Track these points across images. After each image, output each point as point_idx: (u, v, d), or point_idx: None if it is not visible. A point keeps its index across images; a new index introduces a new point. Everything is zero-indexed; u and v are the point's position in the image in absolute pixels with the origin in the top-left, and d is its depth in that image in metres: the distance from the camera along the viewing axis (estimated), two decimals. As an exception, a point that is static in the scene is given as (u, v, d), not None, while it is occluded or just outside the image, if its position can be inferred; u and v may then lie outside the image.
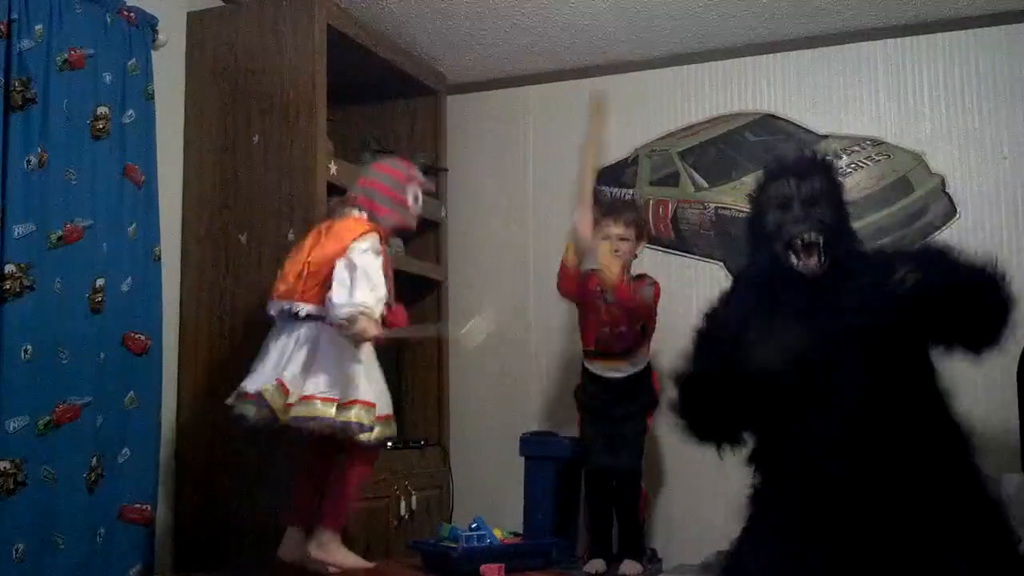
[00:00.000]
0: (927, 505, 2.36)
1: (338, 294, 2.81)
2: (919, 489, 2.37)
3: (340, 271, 2.85)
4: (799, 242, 2.47)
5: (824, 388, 2.42)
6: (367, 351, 2.93)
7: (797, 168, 2.59)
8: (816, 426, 2.42)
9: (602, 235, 3.54)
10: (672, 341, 3.92)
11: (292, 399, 2.82)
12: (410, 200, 3.13)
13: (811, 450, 2.42)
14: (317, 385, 2.84)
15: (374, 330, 2.85)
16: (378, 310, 2.88)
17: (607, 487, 3.57)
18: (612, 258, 3.41)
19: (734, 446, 2.62)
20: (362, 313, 2.81)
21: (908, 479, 2.38)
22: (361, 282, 2.83)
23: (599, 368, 3.55)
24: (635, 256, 3.58)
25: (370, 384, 2.91)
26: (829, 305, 2.47)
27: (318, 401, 2.82)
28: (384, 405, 2.96)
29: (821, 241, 2.47)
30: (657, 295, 3.56)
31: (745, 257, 2.72)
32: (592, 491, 3.59)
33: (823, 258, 2.47)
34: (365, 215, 3.04)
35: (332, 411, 2.82)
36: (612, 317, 3.52)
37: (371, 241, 2.93)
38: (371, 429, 2.87)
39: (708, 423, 2.61)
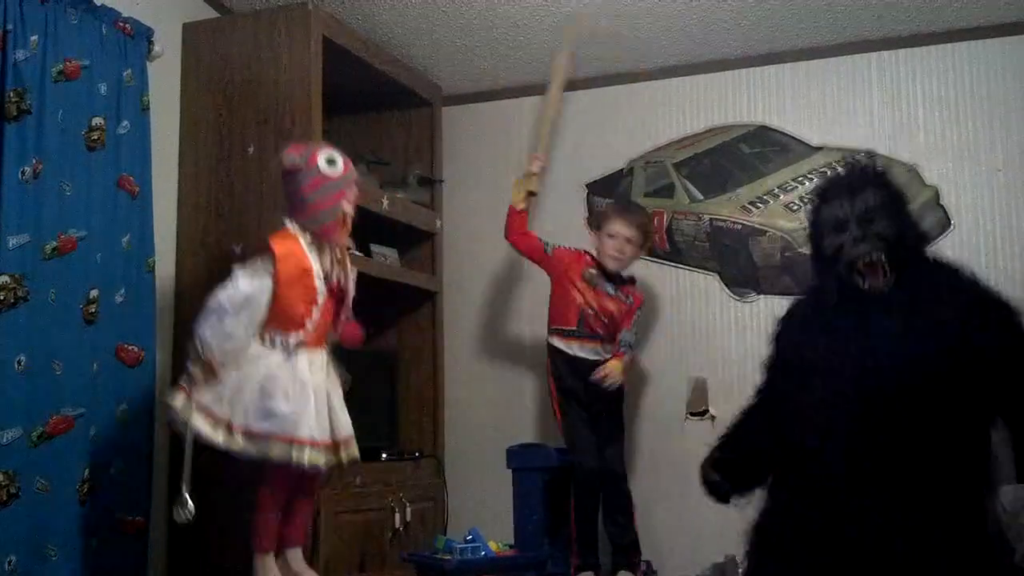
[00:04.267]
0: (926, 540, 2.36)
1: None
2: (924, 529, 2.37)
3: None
4: (861, 263, 2.41)
5: (867, 408, 2.39)
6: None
7: (848, 186, 2.51)
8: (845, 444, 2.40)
9: (607, 232, 3.59)
10: (667, 350, 3.97)
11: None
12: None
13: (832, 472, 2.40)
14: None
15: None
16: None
17: (597, 485, 3.55)
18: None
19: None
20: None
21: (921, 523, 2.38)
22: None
23: (576, 349, 3.59)
24: (635, 258, 3.69)
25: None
26: (893, 324, 2.41)
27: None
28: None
29: (883, 259, 2.41)
30: (638, 304, 3.69)
31: (811, 279, 2.66)
32: (581, 490, 3.56)
33: (888, 274, 2.41)
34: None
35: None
36: (600, 301, 3.60)
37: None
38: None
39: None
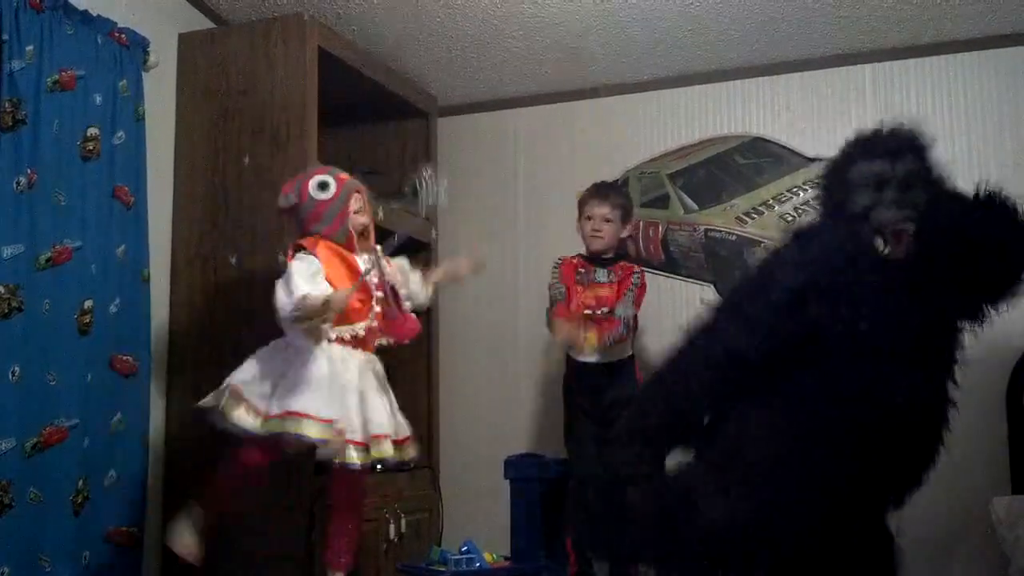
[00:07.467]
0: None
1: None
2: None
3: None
4: (890, 229, 2.35)
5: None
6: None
7: (891, 147, 2.42)
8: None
9: (585, 215, 3.60)
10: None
11: None
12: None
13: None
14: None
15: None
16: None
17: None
18: (580, 332, 3.44)
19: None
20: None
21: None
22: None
23: (583, 354, 3.56)
24: (620, 239, 3.64)
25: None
26: (905, 294, 2.35)
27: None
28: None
29: (911, 229, 2.34)
30: (642, 292, 3.59)
31: (817, 228, 2.54)
32: (579, 508, 3.54)
33: (910, 244, 2.34)
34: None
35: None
36: (596, 299, 3.55)
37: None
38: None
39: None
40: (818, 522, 2.37)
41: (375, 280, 2.98)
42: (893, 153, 2.39)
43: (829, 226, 2.49)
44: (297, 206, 2.95)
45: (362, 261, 2.96)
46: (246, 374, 2.83)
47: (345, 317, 2.88)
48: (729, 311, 2.56)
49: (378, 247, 3.04)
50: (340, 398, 2.82)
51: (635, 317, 3.59)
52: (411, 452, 3.06)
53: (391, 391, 3.05)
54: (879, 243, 2.35)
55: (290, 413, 2.73)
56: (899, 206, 2.35)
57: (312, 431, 2.72)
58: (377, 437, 2.89)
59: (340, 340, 2.90)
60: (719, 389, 2.49)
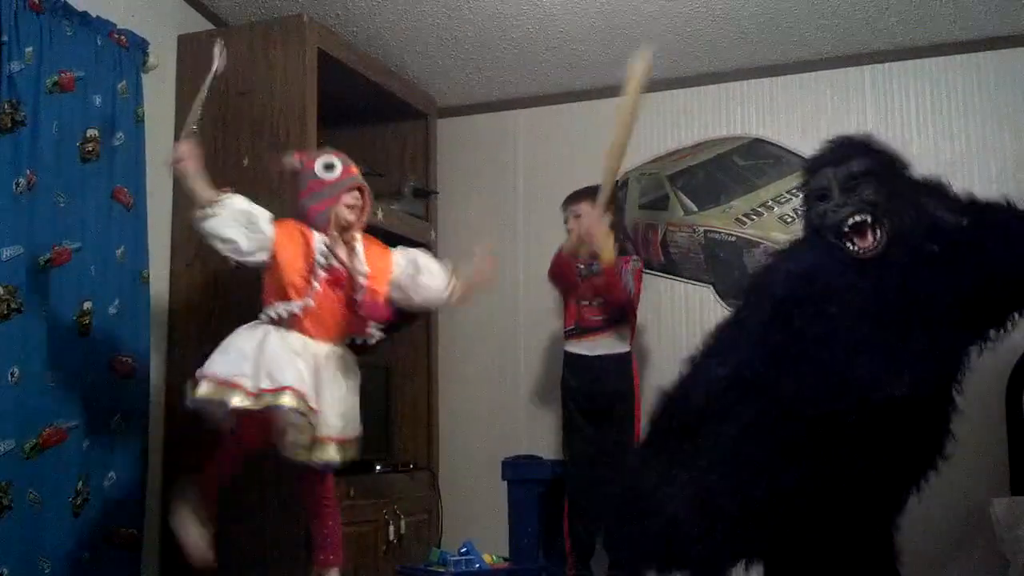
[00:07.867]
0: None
1: None
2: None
3: None
4: (846, 227, 2.38)
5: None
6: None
7: (832, 156, 2.50)
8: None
9: (572, 215, 3.61)
10: (661, 362, 3.97)
11: None
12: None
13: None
14: None
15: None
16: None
17: (591, 497, 3.53)
18: (607, 236, 3.40)
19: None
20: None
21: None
22: None
23: (574, 346, 3.58)
24: (613, 232, 3.61)
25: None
26: (885, 289, 2.35)
27: None
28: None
29: (869, 220, 2.37)
30: (639, 276, 3.63)
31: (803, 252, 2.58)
32: (575, 509, 3.55)
33: (879, 236, 2.37)
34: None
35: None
36: (592, 290, 3.58)
37: None
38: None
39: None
40: (803, 518, 2.38)
41: (329, 263, 2.87)
42: (836, 161, 2.48)
43: (803, 241, 2.58)
44: (299, 174, 2.93)
45: (317, 240, 2.86)
46: (225, 363, 2.71)
47: (283, 293, 2.80)
48: (728, 331, 2.63)
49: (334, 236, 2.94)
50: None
51: (636, 296, 3.61)
52: (351, 454, 2.88)
53: (353, 384, 2.92)
54: (847, 244, 2.39)
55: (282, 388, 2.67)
56: (848, 204, 2.40)
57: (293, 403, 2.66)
58: (324, 440, 2.77)
59: (277, 319, 2.80)
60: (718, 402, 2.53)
